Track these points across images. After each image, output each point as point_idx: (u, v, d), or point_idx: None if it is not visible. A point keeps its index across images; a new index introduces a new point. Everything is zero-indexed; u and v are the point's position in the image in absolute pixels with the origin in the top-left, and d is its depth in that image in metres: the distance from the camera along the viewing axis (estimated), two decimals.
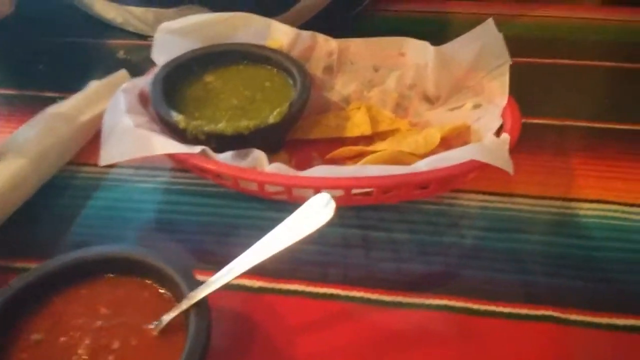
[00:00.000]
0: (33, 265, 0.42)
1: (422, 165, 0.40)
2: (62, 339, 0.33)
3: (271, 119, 0.46)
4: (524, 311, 0.37)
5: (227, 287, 0.34)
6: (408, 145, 0.45)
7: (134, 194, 0.49)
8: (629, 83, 0.60)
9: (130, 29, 0.71)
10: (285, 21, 0.55)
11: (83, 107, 0.53)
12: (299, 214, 0.35)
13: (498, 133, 0.45)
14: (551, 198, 0.46)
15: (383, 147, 0.47)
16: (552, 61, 0.63)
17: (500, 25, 0.49)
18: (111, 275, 0.36)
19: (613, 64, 0.63)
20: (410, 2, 0.75)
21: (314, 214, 0.34)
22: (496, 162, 0.39)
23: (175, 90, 0.50)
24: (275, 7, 0.63)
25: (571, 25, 0.70)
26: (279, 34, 0.54)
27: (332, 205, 0.34)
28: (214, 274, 0.40)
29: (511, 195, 0.46)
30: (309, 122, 0.52)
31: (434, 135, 0.46)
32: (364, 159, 0.44)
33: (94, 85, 0.56)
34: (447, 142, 0.48)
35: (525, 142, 0.46)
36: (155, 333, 0.33)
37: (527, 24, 0.70)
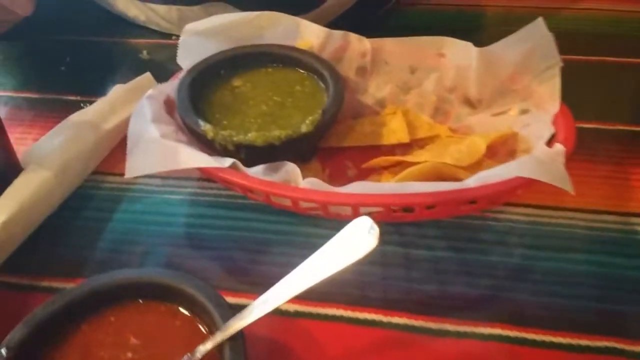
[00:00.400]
0: (59, 284, 0.41)
1: (471, 183, 0.37)
2: None
3: (304, 128, 0.43)
4: (583, 342, 0.35)
5: None
6: (451, 156, 0.42)
7: (162, 206, 0.47)
8: None
9: (154, 27, 0.69)
10: (312, 19, 0.52)
11: (107, 114, 0.51)
12: (339, 239, 0.32)
13: (549, 142, 0.42)
14: (607, 212, 0.43)
15: (423, 156, 0.44)
16: (599, 58, 0.59)
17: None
18: (140, 300, 0.35)
19: None
20: None
21: (356, 240, 0.31)
22: (553, 181, 0.35)
23: (202, 95, 0.48)
24: (303, 4, 0.60)
25: (617, 18, 0.65)
26: (308, 34, 0.51)
27: (376, 231, 0.31)
28: (246, 296, 0.38)
29: (563, 209, 0.43)
30: (342, 128, 0.50)
31: (479, 144, 0.43)
32: (404, 173, 0.41)
33: (118, 90, 0.54)
34: (492, 150, 0.45)
35: (576, 149, 0.42)
36: None
37: (570, 18, 0.66)
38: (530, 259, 0.40)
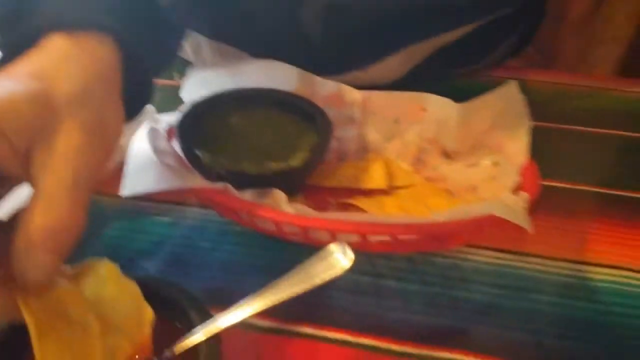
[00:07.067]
0: None
1: (441, 218, 0.41)
2: None
3: (293, 162, 0.47)
4: None
5: (236, 326, 0.35)
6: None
7: (149, 226, 0.50)
8: None
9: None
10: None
11: None
12: (316, 259, 0.36)
13: (515, 191, 0.46)
14: (563, 260, 0.46)
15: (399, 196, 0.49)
16: (577, 128, 0.64)
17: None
18: None
19: (627, 133, 0.63)
20: None
21: (332, 261, 0.35)
22: (515, 219, 0.39)
23: (201, 128, 0.52)
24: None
25: (588, 93, 0.71)
26: (305, 82, 0.56)
27: (351, 255, 0.35)
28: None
29: (524, 254, 0.47)
30: (327, 168, 0.54)
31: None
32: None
33: None
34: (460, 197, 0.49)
35: (539, 203, 0.47)
36: None
37: (541, 90, 0.71)
38: (491, 296, 0.43)
